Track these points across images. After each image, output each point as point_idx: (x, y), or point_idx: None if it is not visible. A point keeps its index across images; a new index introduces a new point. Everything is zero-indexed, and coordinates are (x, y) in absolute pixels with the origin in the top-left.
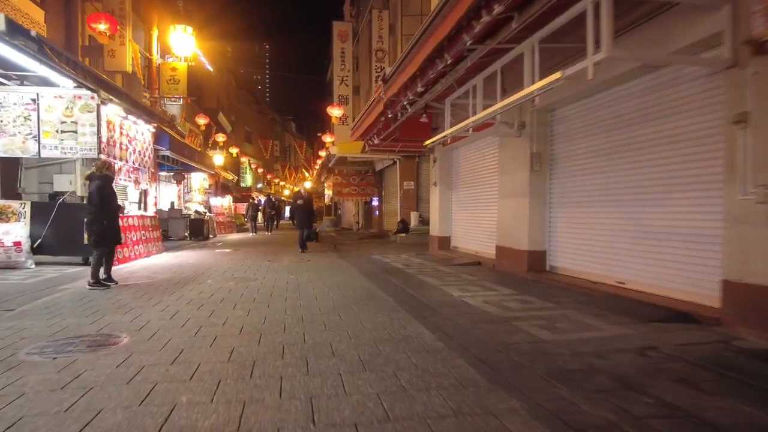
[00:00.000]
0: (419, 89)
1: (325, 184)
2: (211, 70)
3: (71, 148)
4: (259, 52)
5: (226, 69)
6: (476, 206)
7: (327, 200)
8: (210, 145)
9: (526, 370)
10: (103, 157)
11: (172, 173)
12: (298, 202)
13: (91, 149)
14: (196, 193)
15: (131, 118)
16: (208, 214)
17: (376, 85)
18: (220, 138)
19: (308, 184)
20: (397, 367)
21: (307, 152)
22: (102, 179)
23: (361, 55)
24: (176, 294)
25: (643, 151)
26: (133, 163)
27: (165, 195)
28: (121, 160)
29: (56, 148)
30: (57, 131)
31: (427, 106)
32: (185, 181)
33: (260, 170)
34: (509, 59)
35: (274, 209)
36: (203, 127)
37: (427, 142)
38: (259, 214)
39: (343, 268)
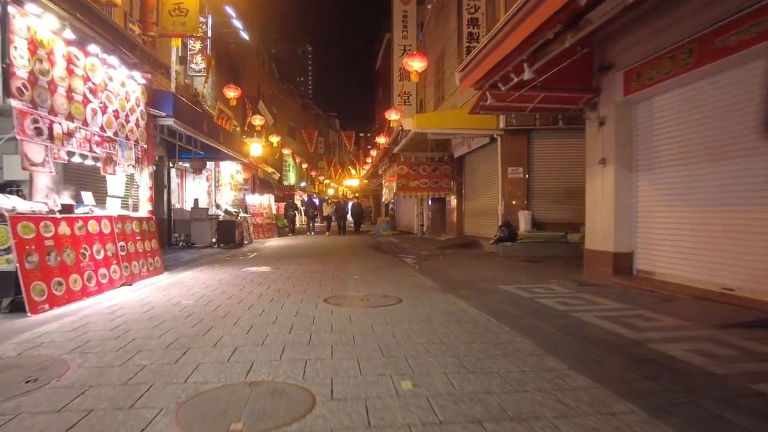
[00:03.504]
0: None
1: (384, 178)
2: (247, 38)
3: None
4: (302, 55)
5: (267, 55)
6: (729, 198)
7: (386, 197)
8: (245, 128)
9: None
10: (16, 104)
11: (189, 161)
12: None
13: None
14: (226, 189)
15: (93, 49)
16: (241, 214)
17: None
18: (257, 121)
19: (355, 182)
20: None
21: (353, 148)
22: None
23: (434, 9)
24: None
25: None
26: (102, 129)
27: (191, 191)
28: (71, 119)
29: None
30: None
31: None
32: (209, 171)
33: (304, 166)
34: None
35: (315, 209)
36: (233, 102)
37: None
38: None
39: (486, 327)
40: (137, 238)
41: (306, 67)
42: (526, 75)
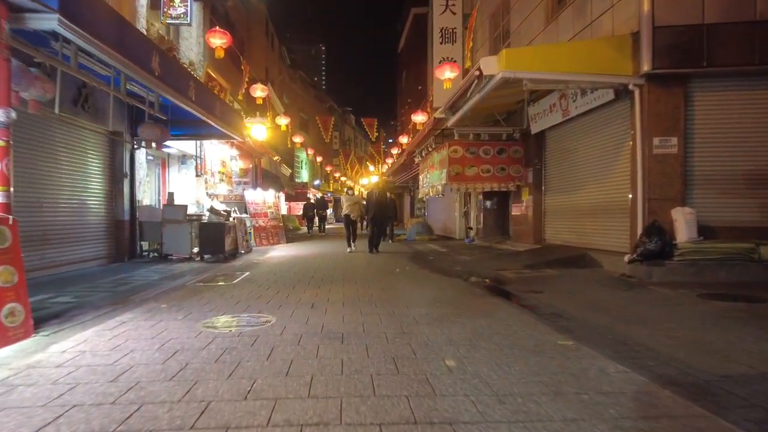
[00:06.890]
0: None
1: (423, 166)
2: None
3: None
4: (315, 54)
5: (277, 37)
6: None
7: (427, 191)
8: (240, 97)
9: None
10: None
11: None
12: None
13: None
14: (213, 179)
15: None
16: (235, 215)
17: None
18: (259, 93)
19: (374, 179)
20: None
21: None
22: None
23: None
24: None
25: None
26: None
27: (177, 186)
28: None
29: None
30: None
31: None
32: (200, 160)
33: (319, 159)
34: None
35: (325, 209)
36: (221, 52)
37: None
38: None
39: None
40: None
41: (319, 66)
42: None
